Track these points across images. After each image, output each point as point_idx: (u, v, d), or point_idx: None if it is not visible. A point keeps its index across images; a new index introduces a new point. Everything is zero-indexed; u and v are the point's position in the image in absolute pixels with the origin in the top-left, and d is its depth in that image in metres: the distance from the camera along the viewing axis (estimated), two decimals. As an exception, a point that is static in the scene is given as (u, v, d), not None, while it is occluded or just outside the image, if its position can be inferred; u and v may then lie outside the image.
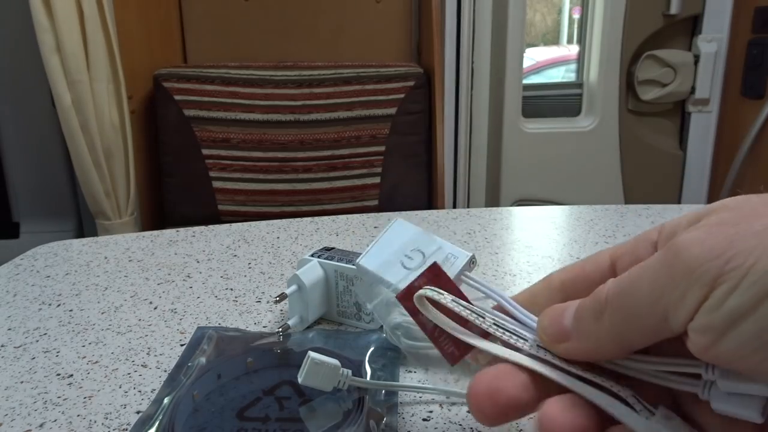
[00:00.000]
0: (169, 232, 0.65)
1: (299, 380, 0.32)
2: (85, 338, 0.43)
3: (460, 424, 0.32)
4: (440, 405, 0.34)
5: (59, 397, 0.36)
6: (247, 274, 0.54)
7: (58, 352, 0.41)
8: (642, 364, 0.22)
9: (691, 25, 1.59)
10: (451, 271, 0.28)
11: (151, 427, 0.31)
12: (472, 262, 0.29)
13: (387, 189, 1.38)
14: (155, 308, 0.47)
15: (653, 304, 0.19)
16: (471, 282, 0.28)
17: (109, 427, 0.33)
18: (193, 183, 1.35)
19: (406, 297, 0.26)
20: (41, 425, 0.33)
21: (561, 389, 0.23)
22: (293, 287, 0.42)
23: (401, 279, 0.29)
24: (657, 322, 0.20)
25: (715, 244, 0.18)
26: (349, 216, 0.70)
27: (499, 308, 0.26)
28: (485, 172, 1.65)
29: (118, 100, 1.22)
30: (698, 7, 1.55)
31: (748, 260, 0.17)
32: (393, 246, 0.30)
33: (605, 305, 0.21)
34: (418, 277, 0.26)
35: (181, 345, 0.41)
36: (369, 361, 0.37)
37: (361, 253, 0.41)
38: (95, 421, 0.33)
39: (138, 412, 0.34)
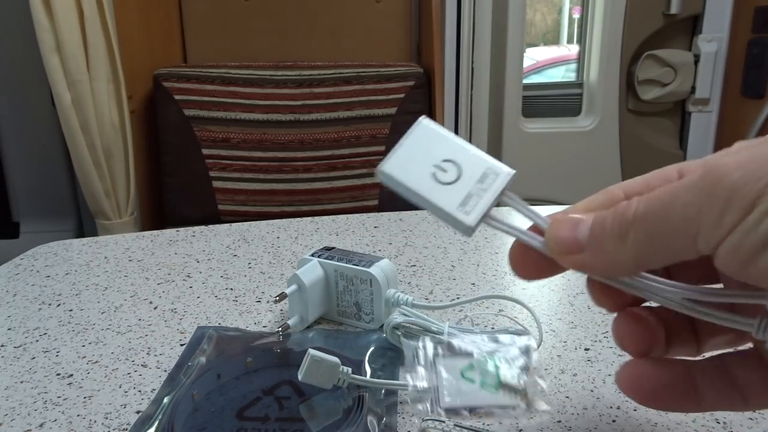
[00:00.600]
0: (169, 232, 0.65)
1: (299, 377, 0.32)
2: (85, 338, 0.43)
3: (460, 425, 0.32)
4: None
5: (59, 397, 0.36)
6: (247, 273, 0.54)
7: (58, 352, 0.41)
8: (695, 297, 0.21)
9: (691, 24, 1.59)
10: (492, 189, 0.25)
11: (150, 426, 0.31)
12: (513, 177, 0.26)
13: (387, 189, 1.38)
14: (155, 308, 0.47)
15: (686, 226, 0.19)
16: (514, 203, 0.25)
17: (109, 427, 0.33)
18: (193, 183, 1.35)
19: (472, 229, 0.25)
20: (41, 425, 0.33)
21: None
22: (293, 287, 0.42)
23: (452, 203, 0.25)
24: (686, 243, 0.19)
25: (757, 167, 0.18)
26: (349, 216, 0.70)
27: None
28: (485, 172, 1.65)
29: (118, 100, 1.22)
30: (698, 7, 1.55)
31: None
32: (421, 152, 0.26)
33: (631, 223, 0.21)
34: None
35: (181, 345, 0.41)
36: (369, 361, 0.37)
37: (362, 253, 0.41)
38: (95, 421, 0.33)
39: (138, 412, 0.34)
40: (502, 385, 0.32)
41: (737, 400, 0.22)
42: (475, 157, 0.26)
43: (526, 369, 0.33)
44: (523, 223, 0.25)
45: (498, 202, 0.25)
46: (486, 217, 0.25)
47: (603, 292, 0.24)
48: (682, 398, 0.22)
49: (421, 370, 0.34)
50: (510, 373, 0.33)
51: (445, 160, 0.26)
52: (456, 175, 0.25)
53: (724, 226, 0.18)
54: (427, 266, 0.54)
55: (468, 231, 0.25)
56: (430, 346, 0.35)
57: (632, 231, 0.21)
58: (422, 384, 0.33)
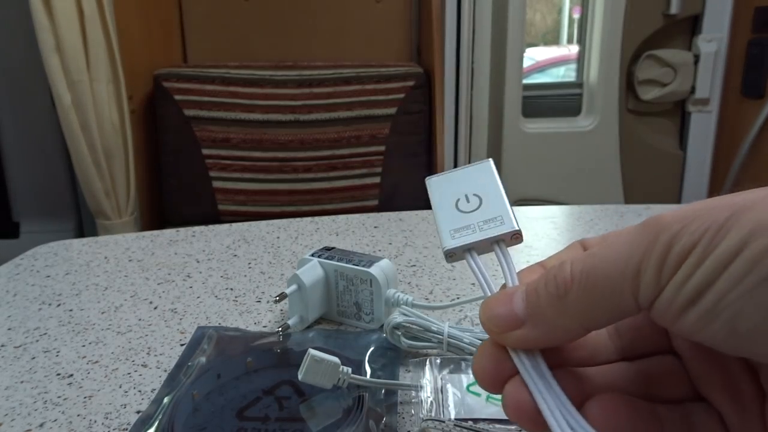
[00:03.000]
0: (169, 232, 0.66)
1: (299, 377, 0.32)
2: (85, 338, 0.43)
3: (461, 425, 0.32)
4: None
5: (59, 397, 0.36)
6: (247, 273, 0.54)
7: (58, 352, 0.41)
8: None
9: (691, 24, 1.59)
10: (488, 232, 0.26)
11: (150, 426, 0.31)
12: (514, 237, 0.26)
13: (387, 189, 1.38)
14: (155, 308, 0.47)
15: (625, 282, 0.19)
16: (500, 257, 0.26)
17: (109, 427, 0.33)
18: (193, 183, 1.35)
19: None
20: (41, 425, 0.33)
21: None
22: (293, 287, 0.42)
23: (451, 225, 0.27)
24: (627, 298, 0.19)
25: (693, 219, 0.18)
26: (349, 216, 0.70)
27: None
28: (485, 172, 1.65)
29: (118, 100, 1.22)
30: (698, 7, 1.55)
31: (711, 227, 0.17)
32: (464, 182, 0.29)
33: (570, 284, 0.20)
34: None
35: (181, 345, 0.41)
36: (369, 361, 0.37)
37: (362, 253, 0.41)
38: (95, 421, 0.33)
39: (138, 412, 0.34)
40: None
41: None
42: (498, 203, 0.27)
43: None
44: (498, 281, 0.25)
45: (486, 248, 0.26)
46: (466, 252, 0.26)
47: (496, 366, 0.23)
48: None
49: (426, 383, 0.34)
50: None
51: (476, 195, 0.28)
52: (473, 209, 0.27)
53: (662, 281, 0.18)
54: (427, 266, 0.54)
55: (445, 253, 0.26)
56: (436, 363, 0.35)
57: (573, 291, 0.20)
58: (427, 395, 0.33)
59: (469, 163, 0.31)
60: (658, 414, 0.22)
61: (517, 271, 0.25)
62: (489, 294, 0.24)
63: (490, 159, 0.30)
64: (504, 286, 0.24)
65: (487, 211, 0.27)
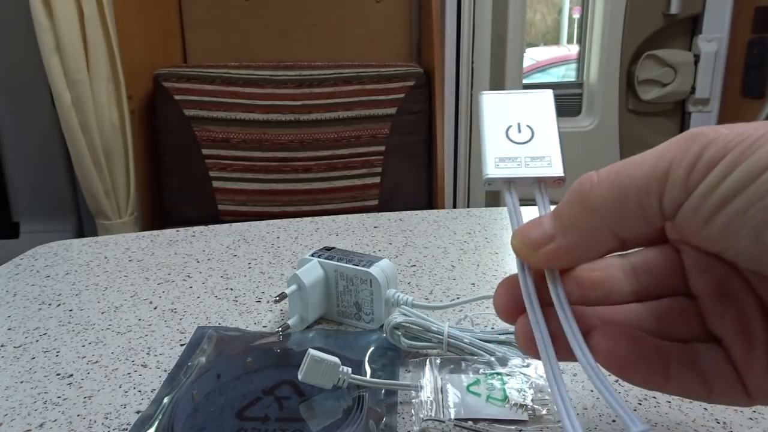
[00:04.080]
0: (169, 232, 0.65)
1: (299, 377, 0.32)
2: (85, 338, 0.43)
3: (461, 425, 0.32)
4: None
5: (59, 397, 0.36)
6: (247, 274, 0.54)
7: (58, 352, 0.41)
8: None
9: (691, 24, 1.59)
10: (532, 170, 0.25)
11: (150, 426, 0.31)
12: (557, 181, 0.26)
13: (387, 189, 1.38)
14: (155, 308, 0.47)
15: (653, 177, 0.19)
16: (538, 196, 0.25)
17: (109, 427, 0.33)
18: (193, 183, 1.35)
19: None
20: (41, 425, 0.33)
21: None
22: (293, 287, 0.42)
23: (498, 153, 0.26)
24: (653, 200, 0.19)
25: (734, 132, 0.18)
26: (349, 216, 0.70)
27: None
28: (485, 172, 1.65)
29: (118, 100, 1.22)
30: (698, 7, 1.55)
31: (747, 140, 0.18)
32: (520, 108, 0.27)
33: (597, 183, 0.20)
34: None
35: (181, 345, 0.41)
36: (369, 361, 0.37)
37: (362, 253, 0.41)
38: (95, 421, 0.33)
39: (138, 412, 0.34)
40: (509, 399, 0.32)
41: (701, 389, 0.22)
42: (550, 141, 0.26)
43: (533, 386, 0.33)
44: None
45: (526, 186, 0.25)
46: (506, 183, 0.25)
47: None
48: (652, 373, 0.22)
49: (426, 383, 0.34)
50: (517, 388, 0.33)
51: (529, 126, 0.26)
52: (523, 140, 0.26)
53: (691, 184, 0.18)
54: (427, 266, 0.54)
55: (486, 180, 0.25)
56: (436, 363, 0.35)
57: (597, 190, 0.20)
58: (427, 395, 0.33)
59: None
60: (663, 349, 0.22)
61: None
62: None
63: (551, 90, 0.28)
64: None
65: (537, 147, 0.26)
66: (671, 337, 0.23)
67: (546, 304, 0.23)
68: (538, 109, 0.27)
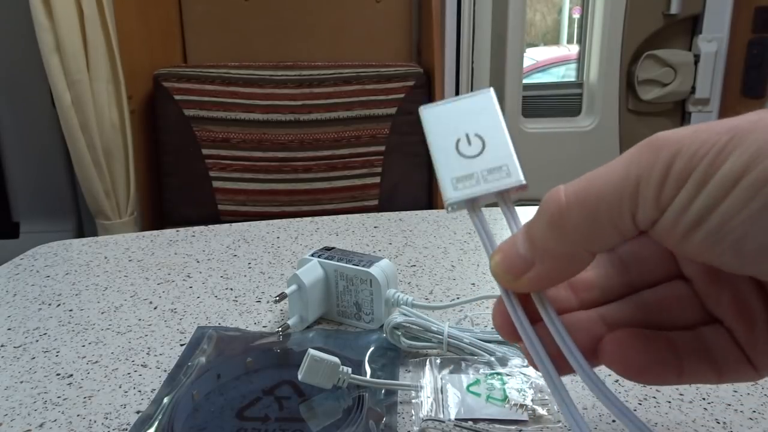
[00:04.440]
0: (169, 232, 0.65)
1: (299, 377, 0.32)
2: (85, 338, 0.43)
3: (461, 425, 0.32)
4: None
5: (59, 397, 0.36)
6: (247, 274, 0.54)
7: (58, 352, 0.41)
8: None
9: (691, 24, 1.59)
10: (493, 184, 0.24)
11: (150, 426, 0.31)
12: (520, 188, 0.25)
13: (387, 189, 1.38)
14: (155, 308, 0.47)
15: (623, 195, 0.19)
16: (506, 210, 0.25)
17: (109, 427, 0.33)
18: (193, 183, 1.35)
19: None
20: (41, 425, 0.33)
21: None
22: (293, 287, 0.42)
23: (453, 173, 0.25)
24: (625, 218, 0.19)
25: (693, 140, 0.18)
26: (349, 216, 0.70)
27: None
28: (485, 172, 1.65)
29: (118, 100, 1.22)
30: (698, 7, 1.55)
31: (713, 148, 0.17)
32: (464, 116, 0.26)
33: (566, 207, 0.20)
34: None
35: (181, 345, 0.41)
36: (369, 361, 0.37)
37: (362, 253, 0.41)
38: (95, 421, 0.33)
39: (138, 412, 0.34)
40: (509, 399, 0.32)
41: (712, 374, 0.22)
42: (503, 149, 0.25)
43: (533, 386, 0.33)
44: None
45: (491, 200, 0.25)
46: (470, 204, 0.25)
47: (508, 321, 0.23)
48: (666, 371, 0.22)
49: (426, 383, 0.34)
50: (517, 388, 0.33)
51: (477, 135, 0.25)
52: (475, 153, 0.25)
53: (663, 201, 0.18)
54: (427, 266, 0.54)
55: (447, 204, 0.25)
56: (436, 363, 0.35)
57: (568, 215, 0.20)
58: (427, 395, 0.33)
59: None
60: (673, 341, 0.22)
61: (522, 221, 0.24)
62: (491, 250, 0.24)
63: (491, 88, 0.27)
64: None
65: (491, 156, 0.25)
66: (676, 324, 0.23)
67: (541, 319, 0.23)
68: (482, 113, 0.26)
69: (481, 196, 0.24)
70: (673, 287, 0.23)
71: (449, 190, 0.24)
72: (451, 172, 0.25)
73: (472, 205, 0.25)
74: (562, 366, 0.22)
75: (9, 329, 0.44)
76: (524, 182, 0.24)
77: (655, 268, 0.24)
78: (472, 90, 1.56)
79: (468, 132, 0.25)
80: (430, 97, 1.40)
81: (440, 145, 0.26)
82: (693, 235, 0.18)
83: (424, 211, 0.71)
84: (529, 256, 0.21)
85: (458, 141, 0.25)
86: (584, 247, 0.20)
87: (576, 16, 1.78)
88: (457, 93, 1.56)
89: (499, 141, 0.25)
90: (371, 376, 0.35)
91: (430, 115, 0.27)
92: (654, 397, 0.34)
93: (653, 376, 0.22)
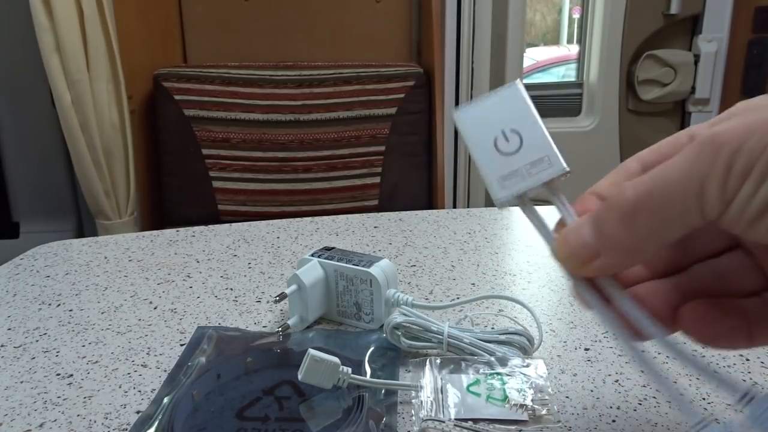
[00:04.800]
0: (169, 232, 0.65)
1: (299, 377, 0.32)
2: (85, 338, 0.43)
3: (461, 425, 0.32)
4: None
5: (59, 397, 0.36)
6: (247, 274, 0.54)
7: (58, 352, 0.41)
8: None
9: (691, 24, 1.59)
10: (537, 176, 0.25)
11: (150, 426, 0.31)
12: (564, 175, 0.26)
13: (387, 189, 1.38)
14: (155, 308, 0.47)
15: (689, 200, 0.20)
16: (555, 199, 0.26)
17: (109, 427, 0.33)
18: (193, 183, 1.35)
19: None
20: (41, 425, 0.33)
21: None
22: (293, 287, 0.42)
23: (497, 172, 0.26)
24: (693, 213, 0.20)
25: (752, 134, 0.19)
26: (349, 216, 0.70)
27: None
28: (485, 172, 1.65)
29: (118, 99, 1.22)
30: (698, 7, 1.55)
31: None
32: (498, 113, 0.27)
33: (635, 206, 0.21)
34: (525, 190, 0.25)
35: (181, 345, 0.41)
36: (369, 361, 0.37)
37: (362, 253, 0.41)
38: (95, 421, 0.33)
39: (138, 412, 0.34)
40: (509, 399, 0.32)
41: None
42: (540, 139, 0.26)
43: (533, 386, 0.33)
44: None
45: (539, 192, 0.26)
46: (520, 199, 0.25)
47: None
48: (739, 337, 0.24)
49: (426, 383, 0.34)
50: (517, 388, 0.33)
51: (513, 130, 0.26)
52: (514, 149, 0.26)
53: (728, 195, 0.19)
54: (427, 266, 0.54)
55: (497, 203, 0.25)
56: (436, 363, 0.35)
57: (640, 212, 0.21)
58: (427, 395, 0.33)
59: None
60: (743, 307, 0.24)
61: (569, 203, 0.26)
62: (551, 237, 0.25)
63: (518, 80, 0.28)
64: (561, 223, 0.25)
65: (531, 150, 0.26)
66: (742, 291, 0.25)
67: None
68: (514, 107, 0.27)
69: (526, 191, 0.25)
70: (734, 257, 0.25)
71: (497, 189, 0.25)
72: (495, 172, 0.26)
73: (521, 200, 0.25)
74: (639, 334, 0.24)
75: (9, 329, 0.45)
76: (567, 169, 0.25)
77: (716, 241, 0.26)
78: (472, 90, 1.57)
79: (504, 128, 0.26)
80: (430, 97, 1.40)
81: (479, 147, 0.26)
82: (758, 223, 0.19)
83: (424, 211, 0.71)
84: (597, 246, 0.23)
85: (496, 139, 0.26)
86: (653, 242, 0.22)
87: (576, 16, 1.78)
88: (457, 93, 1.56)
89: (536, 132, 0.26)
90: (371, 376, 0.35)
91: (465, 118, 0.27)
92: (654, 397, 0.34)
93: (727, 341, 0.24)
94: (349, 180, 1.36)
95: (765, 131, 0.19)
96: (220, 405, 0.33)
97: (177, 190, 1.37)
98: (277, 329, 0.41)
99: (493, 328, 0.40)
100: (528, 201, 0.25)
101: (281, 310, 0.46)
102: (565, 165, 0.25)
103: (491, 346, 0.36)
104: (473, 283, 0.50)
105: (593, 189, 0.26)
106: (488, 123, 0.26)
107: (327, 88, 1.34)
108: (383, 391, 0.34)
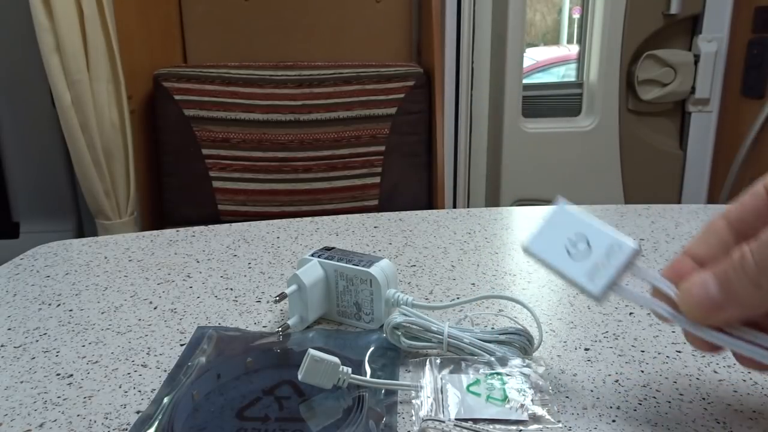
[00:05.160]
0: (169, 232, 0.66)
1: (299, 377, 0.32)
2: (85, 338, 0.43)
3: (461, 425, 0.32)
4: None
5: (59, 397, 0.36)
6: (247, 274, 0.54)
7: (58, 352, 0.41)
8: None
9: (691, 24, 1.59)
10: (617, 263, 0.28)
11: (150, 426, 0.31)
12: (637, 254, 0.29)
13: (387, 189, 1.38)
14: (155, 308, 0.47)
15: None
16: (640, 273, 0.29)
17: (109, 427, 0.33)
18: (193, 183, 1.35)
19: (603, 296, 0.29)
20: (41, 425, 0.33)
21: None
22: (293, 287, 0.42)
23: (584, 275, 0.29)
24: None
25: None
26: (349, 216, 0.70)
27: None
28: (485, 172, 1.65)
29: (118, 100, 1.22)
30: (698, 7, 1.55)
31: None
32: (557, 230, 0.31)
33: (761, 272, 0.24)
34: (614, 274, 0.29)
35: (181, 345, 0.41)
36: (369, 361, 0.37)
37: (362, 253, 0.41)
38: (95, 421, 0.33)
39: (138, 412, 0.34)
40: (509, 399, 0.32)
41: None
42: (602, 234, 0.30)
43: (534, 386, 0.33)
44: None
45: (625, 273, 0.29)
46: (613, 287, 0.29)
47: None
48: None
49: (426, 383, 0.34)
50: (517, 388, 0.33)
51: (577, 235, 0.30)
52: (586, 249, 0.30)
53: None
54: (427, 266, 0.54)
55: (596, 299, 0.29)
56: (436, 363, 0.35)
57: (764, 278, 0.24)
58: (427, 395, 0.33)
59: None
60: None
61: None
62: (656, 303, 0.28)
63: (561, 198, 0.32)
64: (656, 291, 0.29)
65: (599, 245, 0.30)
66: None
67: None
68: (567, 220, 0.31)
69: (614, 277, 0.29)
70: None
71: (591, 287, 0.29)
72: (581, 275, 0.29)
73: (613, 288, 0.29)
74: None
75: (9, 329, 0.45)
76: (637, 248, 0.29)
77: None
78: (472, 90, 1.57)
79: (569, 239, 0.30)
80: (430, 97, 1.40)
81: (558, 262, 0.30)
82: None
83: (424, 211, 0.71)
84: (724, 302, 0.26)
85: (567, 250, 0.30)
86: None
87: (576, 16, 1.78)
88: (457, 93, 1.56)
89: (595, 230, 0.30)
90: (371, 376, 0.35)
91: (534, 245, 0.31)
92: (654, 398, 0.34)
93: None
94: (349, 180, 1.37)
95: None
96: (220, 405, 0.33)
97: (177, 190, 1.37)
98: (277, 329, 0.41)
99: (493, 328, 0.40)
100: (618, 285, 0.29)
101: (281, 310, 0.46)
102: (632, 245, 0.29)
103: (491, 346, 0.36)
104: (473, 283, 0.50)
105: (687, 251, 0.29)
106: (554, 241, 0.31)
107: (327, 88, 1.34)
108: (383, 391, 0.34)
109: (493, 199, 1.67)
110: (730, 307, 0.26)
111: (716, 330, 0.27)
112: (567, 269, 0.30)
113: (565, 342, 0.40)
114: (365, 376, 0.35)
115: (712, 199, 1.65)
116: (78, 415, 0.34)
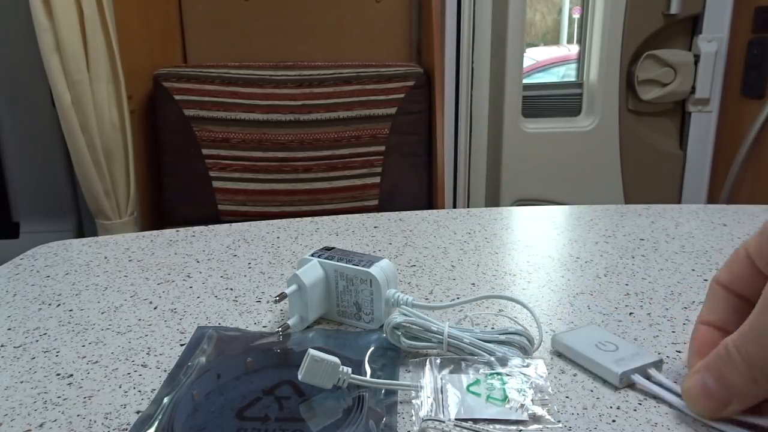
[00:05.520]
0: (169, 232, 0.66)
1: (299, 377, 0.32)
2: (85, 338, 0.43)
3: (461, 425, 0.32)
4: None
5: (59, 397, 0.36)
6: (247, 274, 0.54)
7: (57, 352, 0.41)
8: None
9: (691, 24, 1.59)
10: (641, 360, 0.34)
11: (150, 426, 0.31)
12: (657, 365, 0.34)
13: (387, 189, 1.38)
14: (155, 308, 0.47)
15: None
16: (655, 378, 0.33)
17: (108, 427, 0.33)
18: (193, 183, 1.35)
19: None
20: (41, 425, 0.33)
21: None
22: (293, 287, 0.42)
23: (606, 358, 0.35)
24: None
25: None
26: (349, 216, 0.70)
27: None
28: (485, 172, 1.65)
29: (118, 99, 1.22)
30: (698, 7, 1.55)
31: None
32: (587, 336, 0.37)
33: (754, 370, 0.26)
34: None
35: (181, 345, 0.41)
36: (369, 361, 0.37)
37: (362, 253, 0.41)
38: (95, 421, 0.33)
39: (138, 412, 0.34)
40: (509, 399, 0.32)
41: None
42: (629, 346, 0.36)
43: (534, 386, 0.33)
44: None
45: (644, 373, 0.34)
46: (633, 374, 0.34)
47: None
48: None
49: (426, 383, 0.34)
50: (517, 388, 0.33)
51: (606, 341, 0.37)
52: (614, 350, 0.36)
53: None
54: (427, 266, 0.54)
55: (618, 381, 0.34)
56: (436, 363, 0.35)
57: (755, 372, 0.26)
58: (427, 395, 0.33)
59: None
60: None
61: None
62: (673, 398, 0.32)
63: (594, 325, 0.39)
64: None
65: (626, 349, 0.35)
66: None
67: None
68: (598, 333, 0.38)
69: (639, 369, 0.34)
70: None
71: (615, 368, 0.34)
72: (608, 360, 0.35)
73: (637, 375, 0.34)
74: None
75: (9, 329, 0.45)
76: (660, 357, 0.35)
77: None
78: (472, 90, 1.57)
79: (598, 341, 0.37)
80: (430, 97, 1.40)
81: (588, 350, 0.36)
82: None
83: (424, 211, 0.71)
84: (724, 395, 0.28)
85: (597, 346, 0.36)
86: None
87: (576, 16, 1.77)
88: (457, 93, 1.56)
89: (623, 343, 0.36)
90: (371, 376, 0.35)
91: (565, 339, 0.38)
92: (654, 397, 0.34)
93: None
94: (349, 180, 1.37)
95: None
96: (220, 405, 0.33)
97: (177, 190, 1.37)
98: (277, 329, 0.41)
99: (493, 328, 0.40)
100: (639, 377, 0.33)
101: (281, 310, 0.46)
102: (656, 355, 0.35)
103: (491, 346, 0.36)
104: (473, 283, 0.50)
105: (701, 320, 0.32)
106: (585, 340, 0.37)
107: (327, 88, 1.34)
108: (383, 391, 0.34)
109: (493, 199, 1.67)
110: (737, 401, 0.27)
111: (731, 423, 0.29)
112: (596, 357, 0.35)
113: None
114: (365, 376, 0.35)
115: (712, 199, 1.65)
116: (78, 415, 0.34)
